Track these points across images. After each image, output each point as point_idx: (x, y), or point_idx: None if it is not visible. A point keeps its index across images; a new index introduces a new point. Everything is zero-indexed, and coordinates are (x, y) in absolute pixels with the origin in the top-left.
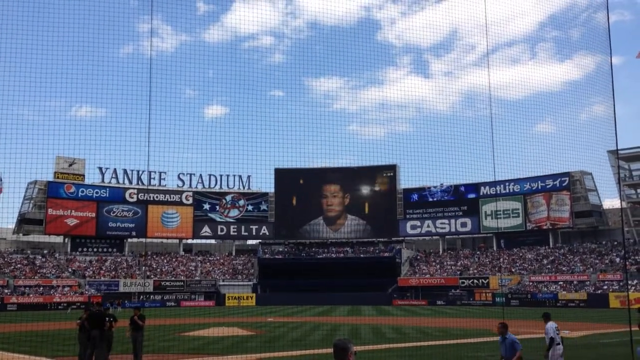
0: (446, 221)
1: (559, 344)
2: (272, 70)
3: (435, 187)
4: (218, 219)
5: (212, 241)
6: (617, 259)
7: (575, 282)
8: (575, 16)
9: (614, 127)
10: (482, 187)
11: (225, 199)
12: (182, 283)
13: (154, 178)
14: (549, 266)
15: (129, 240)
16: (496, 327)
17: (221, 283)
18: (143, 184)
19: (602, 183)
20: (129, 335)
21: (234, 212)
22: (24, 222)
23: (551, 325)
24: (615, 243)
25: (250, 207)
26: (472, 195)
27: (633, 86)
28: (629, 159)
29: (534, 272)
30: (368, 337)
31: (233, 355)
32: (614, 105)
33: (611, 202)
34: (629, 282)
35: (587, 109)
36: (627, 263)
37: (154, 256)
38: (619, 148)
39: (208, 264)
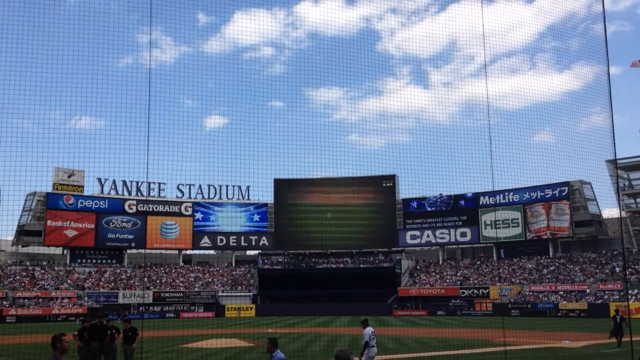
0: (446, 231)
1: (373, 346)
2: (272, 81)
3: (434, 197)
4: (217, 230)
5: (212, 252)
6: (617, 269)
7: (575, 292)
8: (574, 27)
9: (612, 136)
10: (482, 197)
11: (225, 210)
12: (181, 294)
13: (153, 189)
14: (549, 276)
15: (128, 251)
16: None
17: (221, 294)
18: (142, 194)
19: (602, 192)
20: (120, 348)
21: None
22: (23, 233)
23: (368, 330)
24: (615, 252)
25: (249, 218)
26: (471, 205)
27: (632, 96)
28: (627, 168)
29: (534, 282)
30: None
31: None
32: (612, 115)
33: (610, 211)
34: (630, 291)
35: (585, 118)
36: (627, 272)
37: (153, 267)
38: (617, 157)
39: (207, 274)
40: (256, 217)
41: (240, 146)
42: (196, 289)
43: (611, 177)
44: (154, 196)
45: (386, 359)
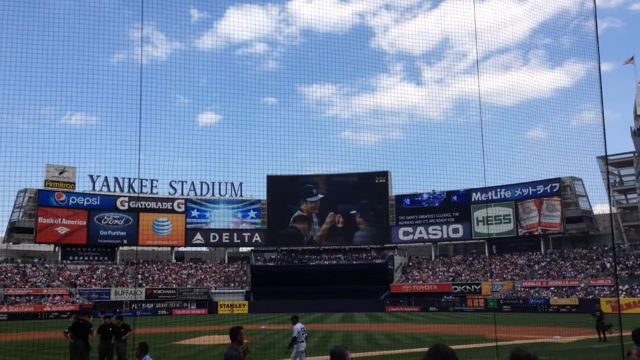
0: (438, 227)
1: (302, 342)
2: (265, 77)
3: (427, 193)
4: (210, 227)
5: (204, 249)
6: (608, 264)
7: (566, 288)
8: (566, 24)
9: (603, 133)
10: (474, 193)
11: (217, 206)
12: (174, 291)
13: (145, 186)
14: (541, 272)
15: (120, 248)
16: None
17: (213, 291)
18: (134, 191)
19: (592, 189)
20: (114, 344)
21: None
22: (14, 230)
23: (297, 326)
24: (606, 248)
25: (242, 215)
26: (463, 202)
27: (623, 92)
28: (618, 164)
29: (526, 277)
30: (361, 344)
31: None
32: (603, 111)
33: (601, 207)
34: (620, 287)
35: (577, 115)
36: (617, 268)
37: (146, 264)
38: (608, 154)
39: (200, 271)
40: (249, 214)
41: (233, 142)
42: (189, 286)
43: (602, 173)
44: (146, 193)
45: (379, 355)
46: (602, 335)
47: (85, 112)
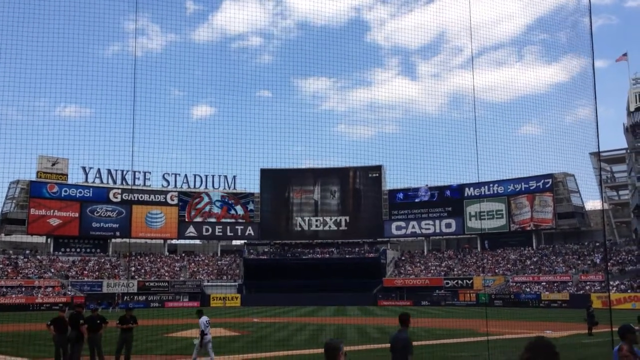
0: (431, 222)
1: (206, 334)
2: (260, 71)
3: (420, 188)
4: (203, 220)
5: (197, 241)
6: (599, 260)
7: (557, 283)
8: (562, 20)
9: (596, 129)
10: (467, 189)
11: (211, 199)
12: (166, 284)
13: (138, 178)
14: (532, 267)
15: (113, 240)
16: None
17: (206, 284)
18: (127, 184)
19: (585, 185)
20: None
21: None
22: (6, 222)
23: (203, 319)
24: (597, 244)
25: (235, 208)
26: (456, 197)
27: (617, 89)
28: (610, 161)
29: (517, 272)
30: (353, 337)
31: (218, 356)
32: (596, 108)
33: (593, 203)
34: (610, 282)
35: (571, 111)
36: (608, 264)
37: (138, 257)
38: (601, 150)
39: (193, 264)
40: (242, 207)
41: (227, 136)
42: (181, 279)
43: (594, 169)
44: (139, 185)
45: (371, 348)
46: (590, 331)
47: (79, 104)
